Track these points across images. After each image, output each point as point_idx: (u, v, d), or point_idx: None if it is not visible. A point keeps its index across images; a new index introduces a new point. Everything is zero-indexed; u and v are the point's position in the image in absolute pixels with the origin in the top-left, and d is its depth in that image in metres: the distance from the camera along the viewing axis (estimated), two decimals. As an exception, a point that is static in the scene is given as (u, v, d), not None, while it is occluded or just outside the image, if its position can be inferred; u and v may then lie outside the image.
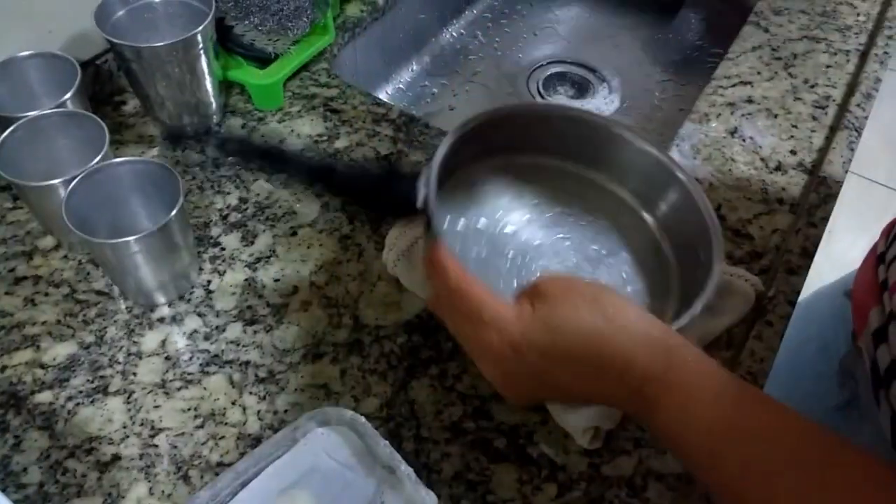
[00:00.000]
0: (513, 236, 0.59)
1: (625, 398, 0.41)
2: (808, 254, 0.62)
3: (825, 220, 0.65)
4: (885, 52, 0.80)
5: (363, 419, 0.48)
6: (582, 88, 0.98)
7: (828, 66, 0.80)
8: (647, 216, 0.59)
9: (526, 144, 0.60)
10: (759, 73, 0.78)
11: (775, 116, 0.74)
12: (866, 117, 0.74)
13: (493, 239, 0.58)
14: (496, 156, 0.60)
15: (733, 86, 0.77)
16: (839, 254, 1.56)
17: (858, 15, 0.85)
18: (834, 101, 0.76)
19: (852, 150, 0.71)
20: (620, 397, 0.41)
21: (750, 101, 0.76)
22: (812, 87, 0.78)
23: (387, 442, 0.48)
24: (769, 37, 0.82)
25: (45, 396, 0.53)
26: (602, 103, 0.96)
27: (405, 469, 0.46)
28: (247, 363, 0.55)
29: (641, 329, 0.41)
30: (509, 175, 0.61)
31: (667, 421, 0.39)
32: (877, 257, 0.56)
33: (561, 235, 0.59)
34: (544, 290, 0.43)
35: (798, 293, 0.60)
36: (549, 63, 1.01)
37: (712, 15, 1.05)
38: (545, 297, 0.42)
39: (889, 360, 0.50)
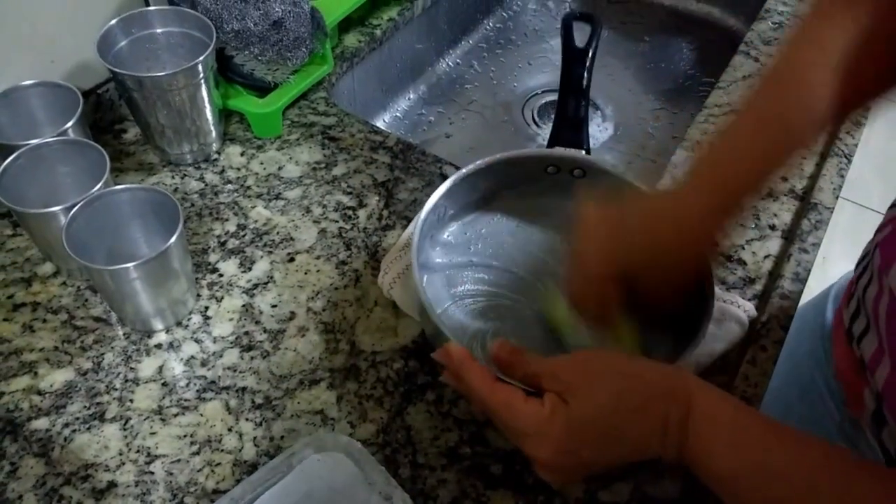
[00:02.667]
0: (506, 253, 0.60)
1: (669, 455, 0.42)
2: (801, 279, 0.63)
3: (817, 245, 0.66)
4: (873, 81, 0.82)
5: (359, 445, 0.48)
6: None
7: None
8: None
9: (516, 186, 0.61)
10: (749, 101, 0.80)
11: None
12: (856, 144, 0.75)
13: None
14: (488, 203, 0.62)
15: (724, 114, 0.78)
16: (833, 279, 1.57)
17: (846, 45, 0.87)
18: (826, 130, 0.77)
19: (842, 176, 0.72)
20: (665, 455, 0.42)
21: (741, 128, 0.77)
22: (802, 115, 0.79)
23: (383, 468, 0.48)
24: (759, 66, 0.84)
25: (41, 423, 0.53)
26: (596, 131, 0.98)
27: (401, 496, 0.46)
28: (243, 389, 0.55)
29: (664, 385, 0.42)
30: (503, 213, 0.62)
31: (696, 470, 0.41)
32: (845, 332, 0.56)
33: (549, 260, 0.60)
34: (567, 380, 0.43)
35: (791, 318, 0.61)
36: (543, 92, 1.03)
37: (704, 45, 1.07)
38: (573, 391, 0.43)
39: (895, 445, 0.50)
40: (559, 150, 0.63)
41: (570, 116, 0.66)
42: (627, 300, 0.50)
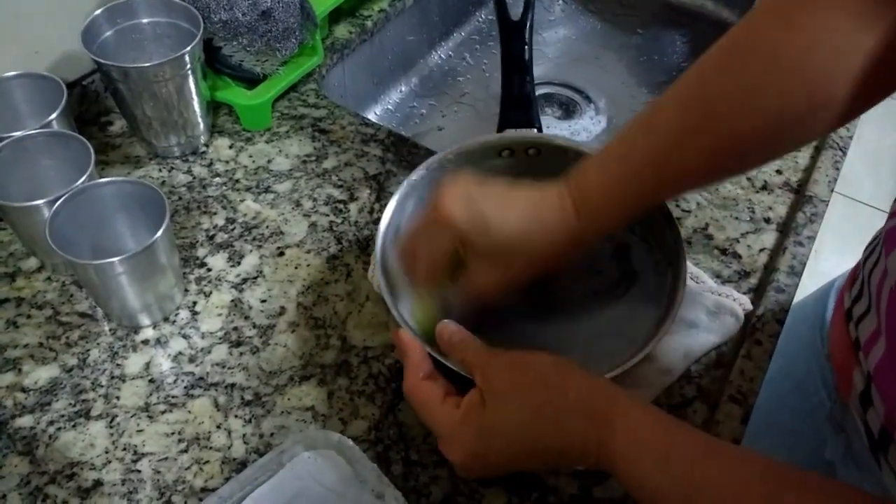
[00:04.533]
0: None
1: (594, 468, 0.42)
2: (796, 272, 0.63)
3: (812, 238, 0.65)
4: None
5: (351, 442, 0.48)
6: (569, 109, 0.99)
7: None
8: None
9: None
10: (744, 93, 0.79)
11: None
12: (850, 137, 0.74)
13: None
14: None
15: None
16: (825, 273, 1.57)
17: (840, 37, 0.86)
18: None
19: (837, 169, 0.71)
20: (587, 464, 0.42)
21: (735, 121, 0.76)
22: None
23: (375, 466, 0.47)
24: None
25: (25, 421, 0.52)
26: (589, 124, 0.97)
27: (393, 493, 0.46)
28: (232, 386, 0.54)
29: (585, 404, 0.42)
30: None
31: (626, 487, 0.40)
32: (844, 314, 0.55)
33: None
34: (492, 381, 0.43)
35: (786, 312, 0.60)
36: (536, 84, 1.02)
37: (697, 37, 1.06)
38: (493, 394, 0.43)
39: (880, 426, 0.49)
40: (510, 133, 0.61)
41: (515, 95, 0.64)
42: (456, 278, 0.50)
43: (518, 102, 0.63)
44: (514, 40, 0.65)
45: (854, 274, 0.57)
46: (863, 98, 0.41)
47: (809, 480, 0.36)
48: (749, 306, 0.60)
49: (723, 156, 0.44)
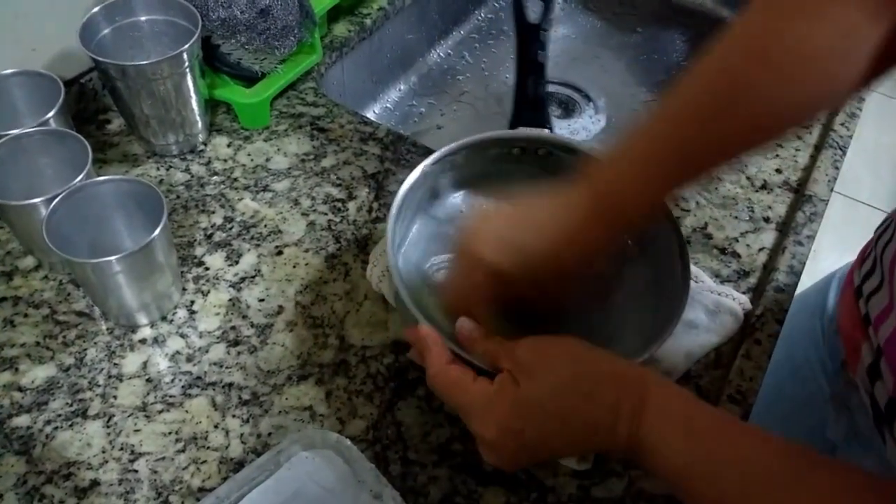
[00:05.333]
0: None
1: (619, 448, 0.41)
2: (796, 272, 0.62)
3: (811, 238, 0.65)
4: (868, 73, 0.81)
5: (349, 442, 0.47)
6: (569, 108, 0.98)
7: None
8: None
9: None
10: (743, 93, 0.79)
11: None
12: (850, 136, 0.74)
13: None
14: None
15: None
16: (824, 272, 1.57)
17: (840, 36, 0.86)
18: (818, 120, 0.77)
19: (837, 168, 0.71)
20: (614, 445, 0.41)
21: (735, 120, 0.76)
22: (796, 106, 0.78)
23: (373, 465, 0.47)
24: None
25: (22, 420, 0.52)
26: (589, 122, 0.97)
27: (392, 493, 0.45)
28: (230, 385, 0.54)
29: (617, 374, 0.42)
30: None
31: (647, 463, 0.40)
32: (854, 290, 0.57)
33: None
34: (521, 359, 0.43)
35: (786, 311, 0.60)
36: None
37: (696, 36, 1.06)
38: (525, 371, 0.43)
39: (887, 398, 0.50)
40: (523, 131, 0.61)
41: (529, 96, 0.64)
42: (511, 308, 0.50)
43: (532, 103, 0.64)
44: (530, 42, 0.66)
45: (864, 252, 0.58)
46: (869, 79, 0.44)
47: (831, 461, 0.38)
48: (748, 306, 0.59)
49: (746, 135, 0.45)
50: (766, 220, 0.67)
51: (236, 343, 0.56)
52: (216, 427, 0.52)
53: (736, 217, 0.67)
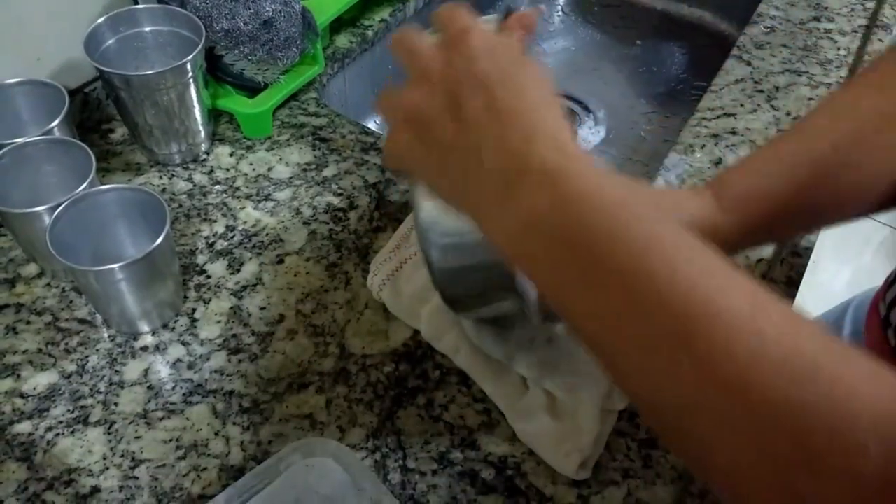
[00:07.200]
0: None
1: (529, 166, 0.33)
2: (794, 283, 0.63)
3: (809, 249, 0.65)
4: (865, 86, 0.82)
5: (348, 450, 0.48)
6: (568, 119, 0.99)
7: (809, 99, 0.81)
8: None
9: None
10: (742, 105, 0.80)
11: (758, 147, 0.75)
12: (848, 149, 0.75)
13: None
14: None
15: (717, 117, 0.78)
16: (823, 284, 1.58)
17: (839, 49, 0.87)
18: None
19: (835, 181, 0.72)
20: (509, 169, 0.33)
21: (733, 132, 0.77)
22: (794, 118, 0.79)
23: (373, 474, 0.47)
24: (752, 70, 0.84)
25: (24, 427, 0.52)
26: (588, 134, 0.97)
27: (391, 501, 0.46)
28: (231, 393, 0.54)
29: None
30: None
31: (562, 204, 0.31)
32: (882, 320, 0.54)
33: None
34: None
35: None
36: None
37: (696, 49, 1.07)
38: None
39: None
40: None
41: None
42: None
43: None
44: None
45: (889, 281, 0.56)
46: None
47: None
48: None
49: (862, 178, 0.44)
50: (765, 231, 0.68)
51: (237, 351, 0.57)
52: (217, 434, 0.52)
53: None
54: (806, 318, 0.27)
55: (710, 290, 0.27)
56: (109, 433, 0.52)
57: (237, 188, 0.68)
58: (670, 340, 0.28)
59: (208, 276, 0.61)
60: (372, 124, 0.95)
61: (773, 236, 0.48)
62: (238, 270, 0.62)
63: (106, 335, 0.57)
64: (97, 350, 0.56)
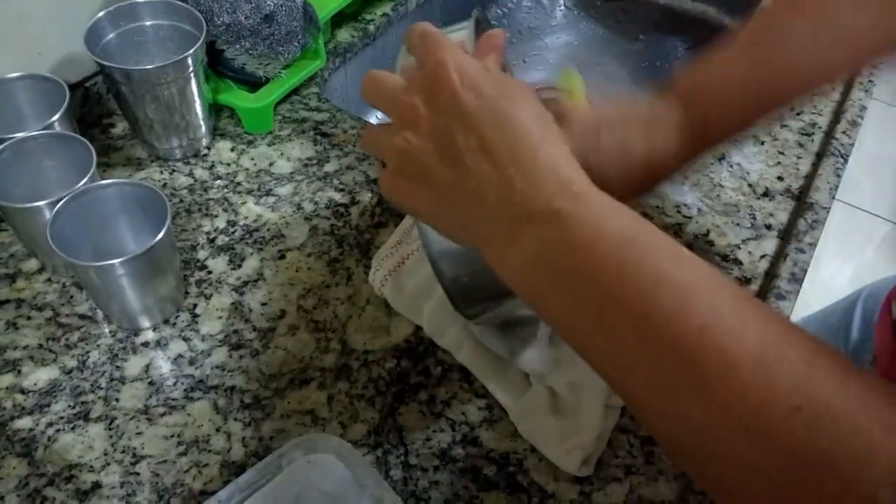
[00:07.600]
0: None
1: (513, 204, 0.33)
2: (797, 279, 0.62)
3: (813, 245, 0.65)
4: (870, 81, 0.82)
5: (350, 446, 0.48)
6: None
7: (813, 94, 0.80)
8: None
9: None
10: (745, 100, 0.79)
11: (762, 143, 0.75)
12: (852, 144, 0.74)
13: None
14: None
15: (720, 113, 0.78)
16: (825, 280, 1.57)
17: (842, 45, 0.86)
18: (820, 128, 0.77)
19: (839, 176, 0.71)
20: (508, 199, 0.33)
21: (737, 127, 0.76)
22: (798, 114, 0.78)
23: (374, 470, 0.47)
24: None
25: (24, 422, 0.52)
26: (591, 129, 0.97)
27: (393, 498, 0.45)
28: (232, 388, 0.54)
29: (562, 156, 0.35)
30: None
31: (569, 233, 0.32)
32: (893, 323, 0.54)
33: None
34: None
35: (787, 319, 0.60)
36: (538, 89, 1.02)
37: (698, 43, 1.07)
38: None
39: None
40: None
41: None
42: None
43: None
44: None
45: None
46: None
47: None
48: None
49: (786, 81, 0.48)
50: (768, 227, 0.67)
51: (238, 347, 0.56)
52: (218, 430, 0.52)
53: (738, 224, 0.67)
54: (821, 353, 0.28)
55: (723, 333, 0.27)
56: (110, 429, 0.52)
57: (238, 183, 0.68)
58: (685, 384, 0.28)
59: (209, 272, 0.61)
60: (374, 119, 0.95)
61: (744, 121, 0.51)
62: (239, 266, 0.62)
63: (107, 330, 0.57)
64: (98, 345, 0.56)
